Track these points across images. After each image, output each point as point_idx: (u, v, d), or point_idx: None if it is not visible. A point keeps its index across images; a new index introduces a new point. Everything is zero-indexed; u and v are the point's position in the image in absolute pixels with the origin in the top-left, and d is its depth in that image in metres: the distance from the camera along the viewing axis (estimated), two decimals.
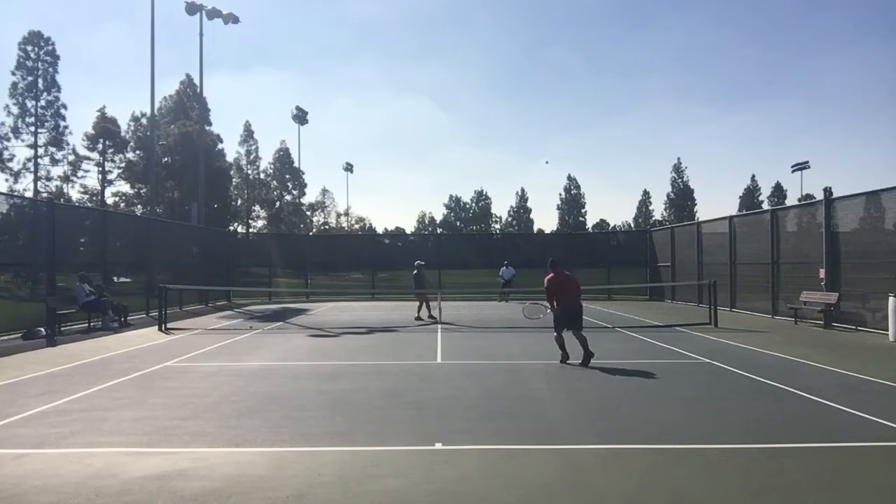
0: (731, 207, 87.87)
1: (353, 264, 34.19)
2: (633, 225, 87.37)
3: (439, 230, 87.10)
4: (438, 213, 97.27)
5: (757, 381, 8.84)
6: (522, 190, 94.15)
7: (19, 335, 14.08)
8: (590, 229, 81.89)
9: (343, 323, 17.99)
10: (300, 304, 26.62)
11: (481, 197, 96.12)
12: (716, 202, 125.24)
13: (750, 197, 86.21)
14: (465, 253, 34.54)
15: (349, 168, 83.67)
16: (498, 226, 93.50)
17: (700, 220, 30.41)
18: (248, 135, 67.48)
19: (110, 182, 50.23)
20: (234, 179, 61.33)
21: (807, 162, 68.68)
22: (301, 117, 71.65)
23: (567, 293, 10.63)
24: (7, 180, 44.88)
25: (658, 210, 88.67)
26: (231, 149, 78.55)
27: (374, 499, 4.51)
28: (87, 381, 9.00)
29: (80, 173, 48.27)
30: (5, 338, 13.85)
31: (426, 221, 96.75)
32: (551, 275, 10.73)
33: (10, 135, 45.04)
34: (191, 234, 27.41)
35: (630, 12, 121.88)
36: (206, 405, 7.46)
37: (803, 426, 6.51)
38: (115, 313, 16.73)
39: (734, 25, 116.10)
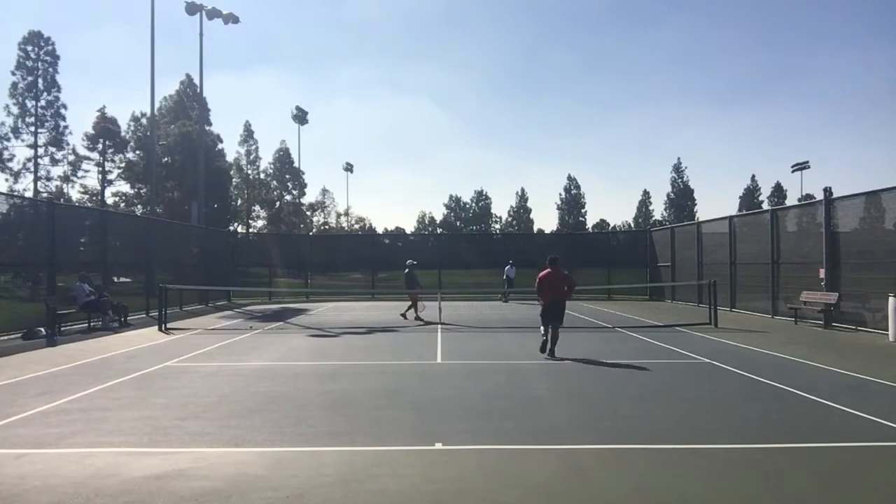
0: (731, 207, 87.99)
1: (352, 264, 34.20)
2: (633, 225, 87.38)
3: (439, 230, 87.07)
4: (438, 213, 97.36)
5: (757, 381, 8.84)
6: (522, 190, 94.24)
7: (19, 335, 14.08)
8: (590, 229, 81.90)
9: (343, 323, 17.99)
10: (300, 304, 26.63)
11: (481, 197, 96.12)
12: (716, 202, 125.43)
13: (750, 197, 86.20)
14: (465, 253, 34.56)
15: (349, 168, 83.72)
16: (498, 226, 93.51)
17: (700, 220, 30.42)
18: (248, 135, 67.55)
19: (110, 182, 50.26)
20: (234, 179, 61.36)
21: (807, 162, 68.67)
22: (301, 117, 71.63)
23: (551, 289, 11.38)
24: (7, 180, 44.96)
25: (658, 210, 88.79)
26: (231, 149, 78.59)
27: (374, 499, 4.51)
28: (87, 381, 9.00)
29: (80, 173, 48.31)
30: (5, 338, 13.86)
31: (426, 221, 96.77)
32: (545, 271, 11.52)
33: (10, 135, 45.10)
34: (191, 234, 27.41)
35: (630, 12, 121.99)
36: (206, 405, 7.46)
37: (803, 426, 6.51)
38: (115, 313, 16.73)
39: (734, 25, 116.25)
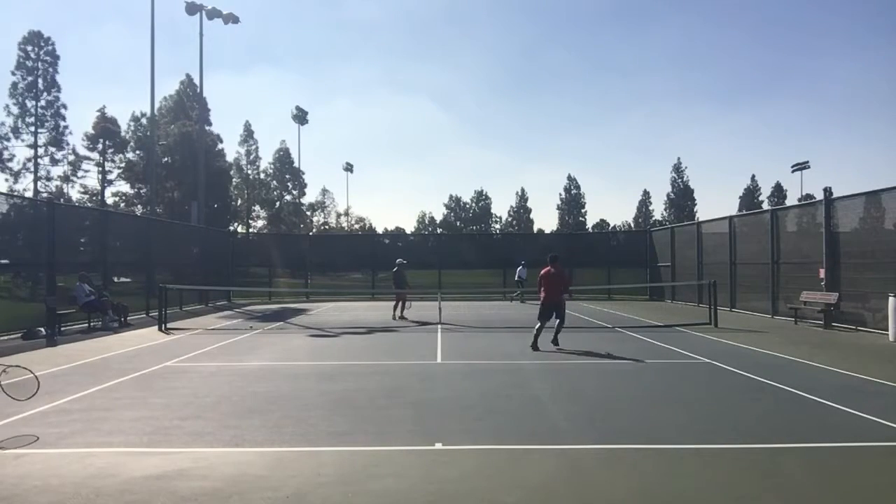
0: (731, 207, 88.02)
1: (352, 264, 34.19)
2: (633, 225, 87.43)
3: (439, 230, 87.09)
4: (438, 213, 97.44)
5: (757, 381, 8.84)
6: (522, 190, 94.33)
7: (19, 335, 14.08)
8: (590, 229, 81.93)
9: (343, 323, 17.99)
10: (300, 304, 26.62)
11: (481, 197, 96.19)
12: (716, 202, 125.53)
13: (750, 197, 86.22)
14: (465, 253, 34.51)
15: (349, 168, 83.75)
16: (498, 226, 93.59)
17: (700, 220, 30.41)
18: (248, 135, 67.57)
19: (110, 182, 50.31)
20: (234, 179, 61.39)
21: (807, 162, 68.71)
22: (301, 117, 71.68)
23: (551, 288, 12.25)
24: (7, 180, 44.99)
25: (658, 210, 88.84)
26: (231, 149, 78.74)
27: (374, 499, 4.51)
28: (87, 381, 9.00)
29: (80, 173, 48.36)
30: (5, 338, 13.86)
31: (426, 221, 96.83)
32: (546, 269, 12.37)
33: (10, 135, 45.12)
34: (191, 234, 27.40)
35: (630, 12, 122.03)
36: (206, 405, 7.46)
37: (803, 426, 6.51)
38: (115, 313, 16.73)
39: (735, 25, 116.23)
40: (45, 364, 10.50)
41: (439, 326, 16.40)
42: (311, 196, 78.95)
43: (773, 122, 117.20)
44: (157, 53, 30.41)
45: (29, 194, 42.11)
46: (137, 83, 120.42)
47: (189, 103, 52.94)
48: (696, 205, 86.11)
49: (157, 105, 39.83)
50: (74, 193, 48.46)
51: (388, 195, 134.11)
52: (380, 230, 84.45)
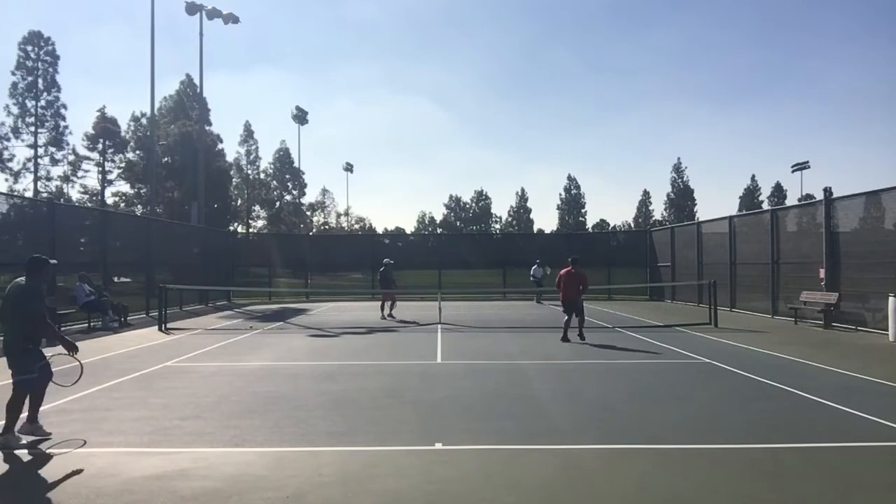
0: (731, 207, 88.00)
1: (352, 264, 34.18)
2: (633, 225, 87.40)
3: (439, 230, 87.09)
4: (438, 213, 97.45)
5: (757, 381, 8.84)
6: (522, 190, 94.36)
7: None
8: (590, 229, 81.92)
9: (343, 323, 17.99)
10: (300, 304, 26.62)
11: (481, 197, 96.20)
12: (716, 202, 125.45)
13: (750, 197, 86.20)
14: (465, 253, 34.49)
15: (349, 168, 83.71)
16: (498, 226, 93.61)
17: (700, 220, 30.41)
18: (248, 135, 67.49)
19: (110, 182, 50.20)
20: (234, 179, 61.31)
21: (807, 162, 68.68)
22: (301, 117, 71.61)
23: (567, 288, 13.39)
24: (7, 180, 44.92)
25: (658, 210, 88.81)
26: (231, 149, 78.74)
27: (374, 499, 4.51)
28: (87, 381, 8.95)
29: (80, 173, 48.24)
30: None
31: (426, 221, 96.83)
32: (566, 269, 13.55)
33: (10, 135, 45.06)
34: (191, 234, 27.40)
35: (630, 12, 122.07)
36: (206, 405, 7.46)
37: (803, 426, 6.51)
38: (115, 313, 16.73)
39: (734, 25, 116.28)
40: None
41: (439, 326, 16.39)
42: (311, 196, 78.96)
43: (773, 122, 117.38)
44: (157, 53, 30.42)
45: (29, 194, 42.09)
46: (137, 83, 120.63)
47: (189, 103, 52.89)
48: (696, 205, 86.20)
49: (157, 105, 39.84)
50: (74, 193, 48.46)
51: (388, 195, 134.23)
52: (380, 230, 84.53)
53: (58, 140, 46.43)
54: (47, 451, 5.71)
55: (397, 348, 12.65)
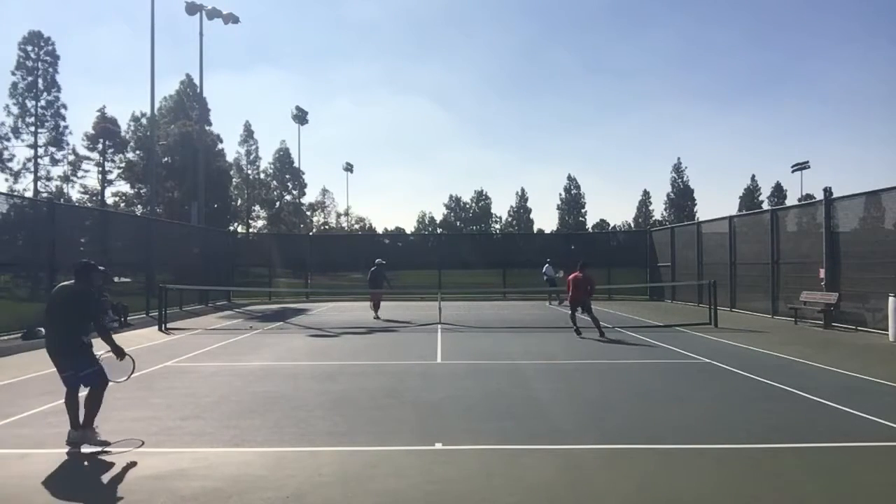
0: (731, 207, 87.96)
1: (352, 264, 34.16)
2: (633, 225, 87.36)
3: (439, 230, 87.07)
4: (438, 213, 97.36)
5: (757, 381, 8.84)
6: (522, 190, 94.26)
7: (19, 335, 14.07)
8: (590, 229, 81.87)
9: (343, 323, 17.99)
10: (300, 304, 26.63)
11: (481, 197, 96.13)
12: (716, 202, 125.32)
13: (750, 197, 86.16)
14: (465, 253, 34.49)
15: (349, 168, 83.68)
16: (498, 226, 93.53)
17: (700, 220, 30.41)
18: (248, 135, 67.50)
19: (110, 182, 50.23)
20: (234, 179, 61.31)
21: (807, 162, 68.66)
22: (301, 117, 71.59)
23: (576, 290, 14.37)
24: (7, 180, 44.91)
25: (658, 210, 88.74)
26: (231, 149, 78.70)
27: (374, 499, 4.51)
28: None
29: (80, 173, 48.26)
30: (5, 338, 13.85)
31: (426, 221, 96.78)
32: (575, 273, 14.51)
33: (10, 135, 45.05)
34: (191, 234, 27.40)
35: (630, 12, 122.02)
36: (207, 405, 7.46)
37: (803, 426, 6.51)
38: (115, 313, 16.73)
39: (734, 26, 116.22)
40: (46, 364, 10.45)
41: (439, 326, 16.40)
42: (311, 196, 78.92)
43: (773, 122, 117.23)
44: (157, 53, 30.42)
45: (29, 194, 42.06)
46: (137, 83, 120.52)
47: (189, 103, 52.89)
48: (696, 205, 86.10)
49: (157, 105, 39.84)
50: (74, 193, 48.46)
51: (388, 195, 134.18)
52: (380, 230, 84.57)
53: (58, 140, 46.43)
54: (47, 451, 5.71)
55: (397, 348, 12.65)
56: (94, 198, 49.02)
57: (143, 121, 49.81)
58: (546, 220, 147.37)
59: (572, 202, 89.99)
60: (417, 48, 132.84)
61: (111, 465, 5.27)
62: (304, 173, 71.54)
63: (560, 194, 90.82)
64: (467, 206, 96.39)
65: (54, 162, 46.82)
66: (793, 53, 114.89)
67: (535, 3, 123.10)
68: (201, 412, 7.11)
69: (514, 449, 5.70)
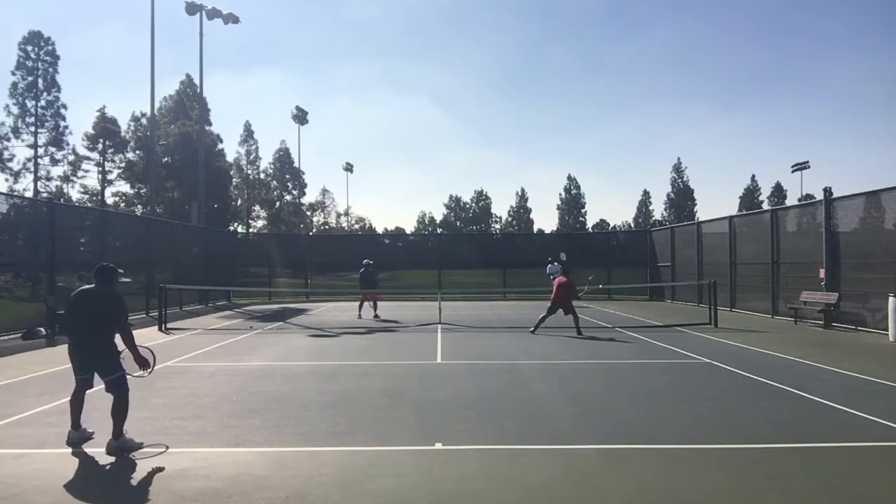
0: (731, 207, 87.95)
1: (353, 264, 34.10)
2: (633, 225, 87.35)
3: (439, 230, 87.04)
4: (438, 213, 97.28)
5: (757, 381, 8.84)
6: (522, 190, 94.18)
7: (19, 335, 14.07)
8: (590, 229, 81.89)
9: (343, 323, 17.99)
10: (300, 304, 26.63)
11: (481, 197, 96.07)
12: (716, 202, 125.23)
13: (750, 197, 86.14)
14: (465, 253, 34.48)
15: (349, 168, 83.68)
16: (498, 226, 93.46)
17: (700, 220, 30.41)
18: (248, 135, 67.55)
19: (110, 182, 50.21)
20: (234, 179, 61.31)
21: (807, 162, 68.65)
22: (301, 117, 71.57)
23: (559, 294, 14.90)
24: (7, 180, 44.89)
25: (658, 210, 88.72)
26: (231, 149, 78.73)
27: (374, 499, 4.51)
28: None
29: (80, 173, 48.23)
30: (5, 338, 13.85)
31: (426, 221, 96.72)
32: (559, 278, 15.27)
33: (10, 135, 45.03)
34: (191, 234, 27.39)
35: (629, 12, 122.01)
36: (206, 405, 7.46)
37: (803, 426, 6.51)
38: None
39: (734, 26, 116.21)
40: (46, 364, 10.49)
41: (439, 326, 16.39)
42: (311, 196, 78.97)
43: (773, 123, 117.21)
44: (157, 53, 30.41)
45: (29, 194, 42.03)
46: (137, 83, 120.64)
47: (189, 103, 52.88)
48: (696, 205, 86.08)
49: (157, 105, 39.82)
50: (74, 193, 48.45)
51: (388, 195, 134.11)
52: (380, 230, 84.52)
53: (58, 140, 46.41)
54: (47, 451, 5.71)
55: (397, 348, 12.65)
56: (94, 198, 49.02)
57: (143, 121, 49.83)
58: (546, 220, 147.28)
59: (572, 202, 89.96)
60: (417, 48, 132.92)
61: (111, 465, 5.27)
62: (304, 173, 71.66)
63: (560, 194, 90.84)
64: (467, 206, 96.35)
65: (54, 162, 46.83)
66: (793, 54, 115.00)
67: (535, 3, 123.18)
68: (201, 412, 7.11)
69: (514, 449, 5.70)
